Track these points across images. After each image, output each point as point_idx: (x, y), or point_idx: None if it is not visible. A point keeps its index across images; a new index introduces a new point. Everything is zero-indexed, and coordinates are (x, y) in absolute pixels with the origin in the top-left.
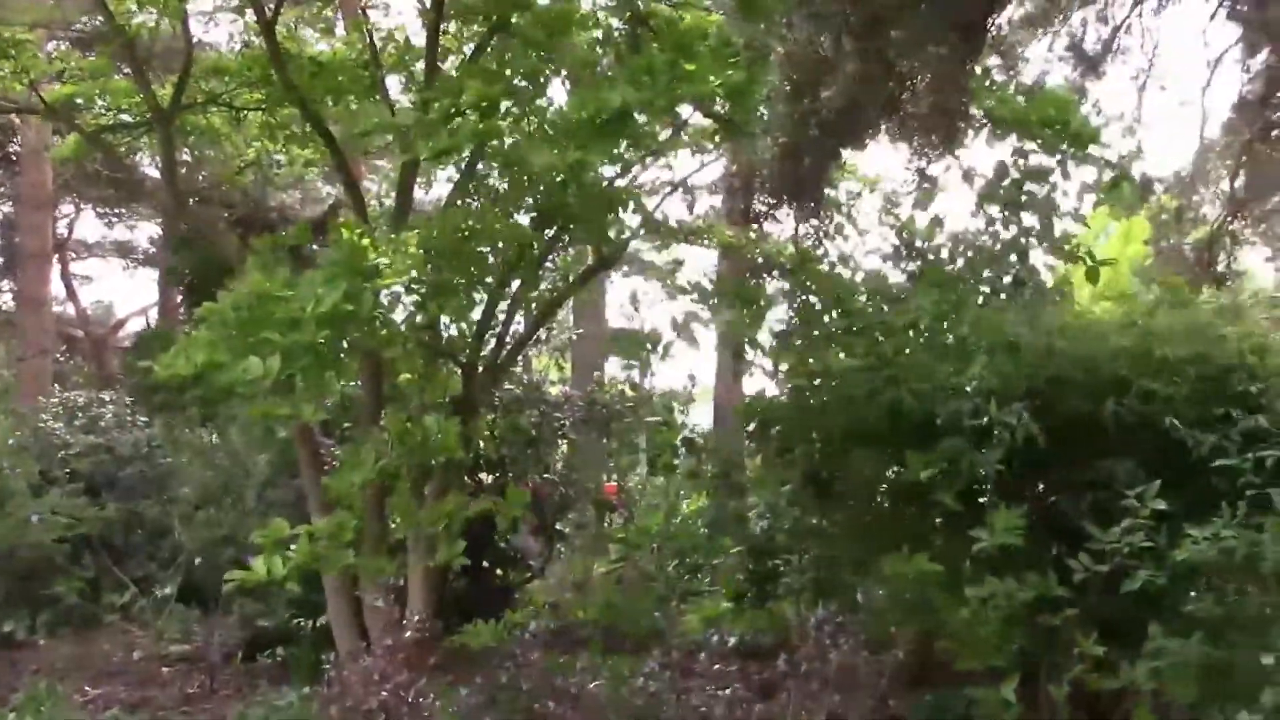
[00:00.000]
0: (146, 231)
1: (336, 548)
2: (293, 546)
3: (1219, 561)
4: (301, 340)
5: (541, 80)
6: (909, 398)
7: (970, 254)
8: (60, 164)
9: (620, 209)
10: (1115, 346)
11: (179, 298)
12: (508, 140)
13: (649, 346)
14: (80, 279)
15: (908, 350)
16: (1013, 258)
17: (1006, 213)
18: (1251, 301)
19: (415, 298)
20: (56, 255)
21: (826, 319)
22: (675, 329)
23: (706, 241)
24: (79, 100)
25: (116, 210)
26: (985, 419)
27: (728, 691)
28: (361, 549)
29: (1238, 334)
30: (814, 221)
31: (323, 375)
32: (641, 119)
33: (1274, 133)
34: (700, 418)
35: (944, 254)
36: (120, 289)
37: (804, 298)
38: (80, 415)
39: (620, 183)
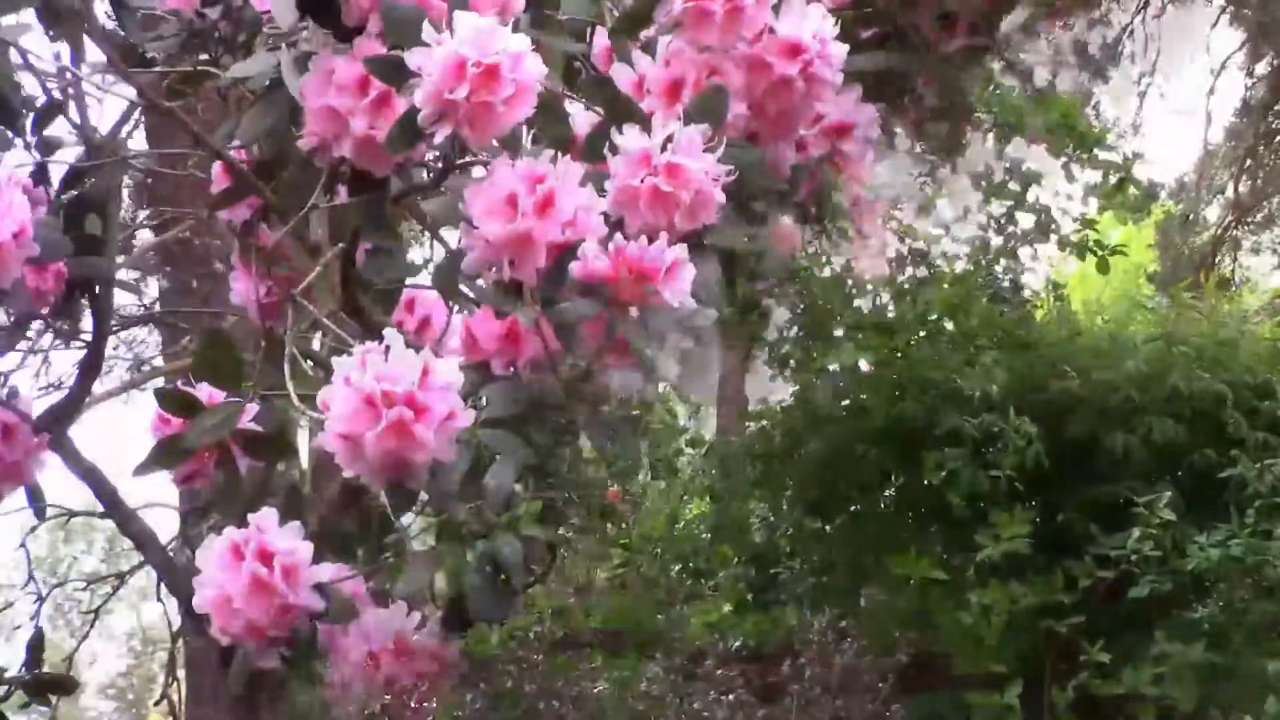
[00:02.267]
0: None
1: None
2: None
3: (1226, 569)
4: None
5: None
6: (913, 406)
7: (976, 254)
8: None
9: None
10: (1128, 371)
11: None
12: None
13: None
14: None
15: (913, 341)
16: (1005, 261)
17: (1008, 214)
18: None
19: None
20: None
21: (834, 317)
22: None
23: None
24: None
25: None
26: (995, 428)
27: (731, 696)
28: None
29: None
30: (814, 226)
31: None
32: None
33: (1277, 138)
34: (704, 423)
35: (955, 260)
36: None
37: (809, 296)
38: None
39: None
